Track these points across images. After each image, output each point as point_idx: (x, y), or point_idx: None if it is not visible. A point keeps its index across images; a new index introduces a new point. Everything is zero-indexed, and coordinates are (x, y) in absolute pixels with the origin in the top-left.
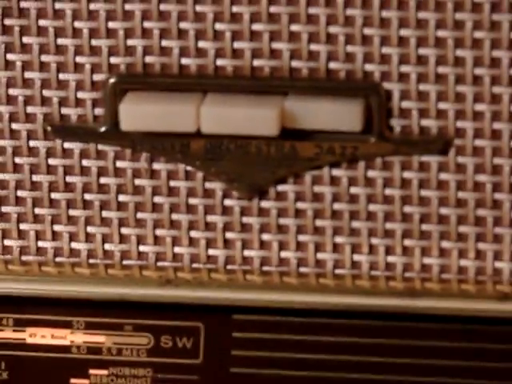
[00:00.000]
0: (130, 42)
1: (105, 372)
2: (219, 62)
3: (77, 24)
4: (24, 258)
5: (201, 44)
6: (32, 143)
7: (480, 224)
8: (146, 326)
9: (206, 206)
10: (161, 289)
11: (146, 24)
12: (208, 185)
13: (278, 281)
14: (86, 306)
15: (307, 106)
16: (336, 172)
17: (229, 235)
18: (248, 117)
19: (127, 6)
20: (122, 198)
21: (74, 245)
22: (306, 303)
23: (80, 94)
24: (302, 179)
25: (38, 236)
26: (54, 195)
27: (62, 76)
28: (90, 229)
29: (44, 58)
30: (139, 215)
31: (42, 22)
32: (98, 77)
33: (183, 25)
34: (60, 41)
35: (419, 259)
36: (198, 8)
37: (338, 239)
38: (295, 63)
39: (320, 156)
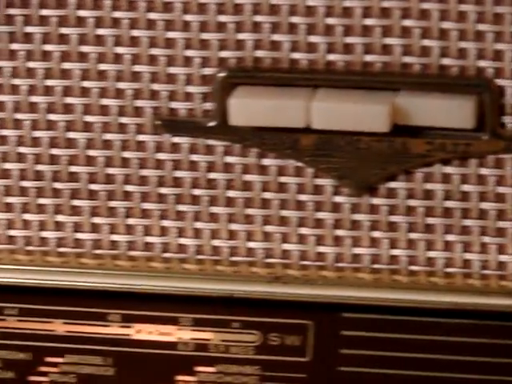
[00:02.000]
0: (240, 36)
1: (212, 369)
2: (330, 57)
3: (187, 17)
4: (131, 252)
5: (312, 38)
6: (140, 137)
7: None
8: (254, 323)
9: (315, 202)
10: (269, 286)
11: (259, 18)
12: (318, 181)
13: (388, 279)
14: (194, 303)
15: (419, 103)
16: (447, 169)
17: (338, 232)
18: (359, 113)
19: (237, 0)
20: (230, 193)
21: (182, 240)
22: (416, 301)
23: (189, 88)
24: (413, 176)
25: (146, 231)
26: (162, 190)
27: (171, 70)
28: (198, 225)
29: (153, 51)
30: (248, 211)
31: (150, 15)
32: (207, 71)
33: (294, 19)
34: (169, 34)
35: None
36: (309, 2)
37: (450, 237)
38: (407, 59)
39: (431, 153)
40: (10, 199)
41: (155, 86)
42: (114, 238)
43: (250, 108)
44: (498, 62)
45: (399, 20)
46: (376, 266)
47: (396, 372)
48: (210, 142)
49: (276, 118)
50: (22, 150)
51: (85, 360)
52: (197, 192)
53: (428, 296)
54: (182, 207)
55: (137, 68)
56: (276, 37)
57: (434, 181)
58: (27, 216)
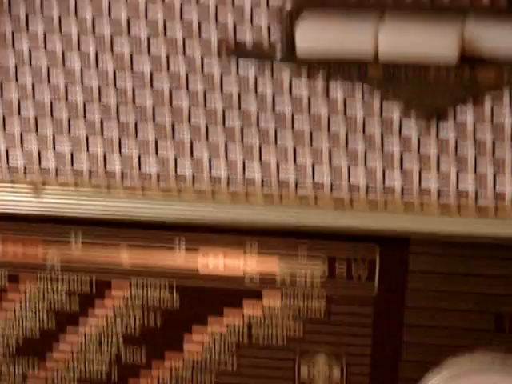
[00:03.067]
0: None
1: (278, 301)
2: None
3: None
4: (197, 185)
5: None
6: (206, 69)
7: None
8: (320, 254)
9: (383, 133)
10: (336, 216)
11: None
12: (385, 112)
13: (456, 212)
14: (260, 233)
15: (488, 32)
16: None
17: (406, 165)
18: (427, 43)
19: None
20: (296, 124)
21: (248, 172)
22: (485, 236)
23: (256, 19)
24: (482, 106)
25: (211, 163)
26: (227, 123)
27: (237, 0)
28: (264, 156)
29: None
30: (314, 144)
31: None
32: (274, 1)
33: None
34: None
35: None
36: None
37: None
38: None
39: (500, 82)
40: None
41: (221, 17)
42: (180, 170)
43: (317, 39)
44: None
45: None
46: (444, 199)
47: (465, 308)
48: (277, 72)
49: (343, 49)
50: None
51: (150, 291)
52: (263, 124)
53: (496, 228)
54: (248, 140)
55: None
56: None
57: (502, 110)
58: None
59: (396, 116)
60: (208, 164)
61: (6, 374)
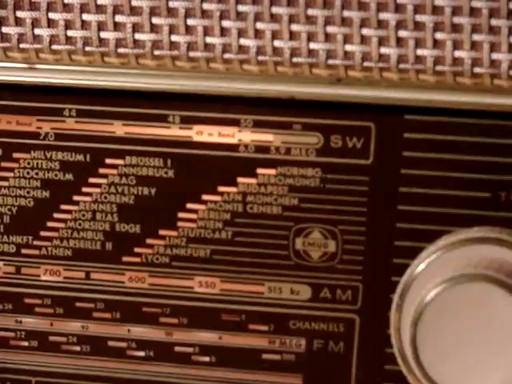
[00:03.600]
0: None
1: (272, 171)
2: None
3: None
4: (191, 54)
5: None
6: None
7: None
8: (315, 125)
9: (378, 3)
10: (331, 87)
11: None
12: None
13: (452, 81)
14: (254, 104)
15: None
16: None
17: (401, 33)
18: None
19: None
20: None
21: (242, 41)
22: (479, 104)
23: None
24: None
25: (206, 32)
26: None
27: None
28: (259, 25)
29: None
30: (309, 12)
31: None
32: None
33: None
34: None
35: None
36: None
37: None
38: None
39: None
40: None
41: None
42: (174, 38)
43: None
44: None
45: None
46: (439, 67)
47: (457, 175)
48: None
49: None
50: None
51: (144, 162)
52: None
53: (492, 98)
54: (242, 7)
55: None
56: None
57: None
58: (86, 16)
59: None
60: (202, 32)
61: (0, 247)
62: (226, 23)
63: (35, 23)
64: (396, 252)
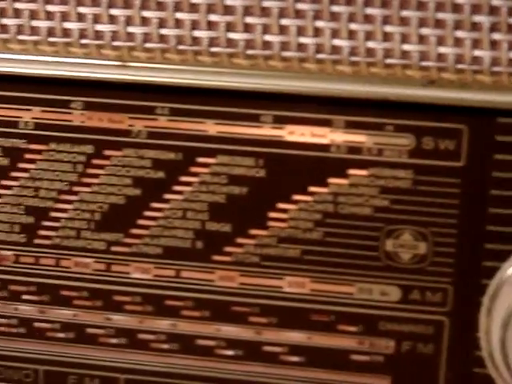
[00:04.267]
0: None
1: (364, 172)
2: None
3: None
4: (284, 53)
5: None
6: None
7: None
8: (407, 126)
9: (472, 5)
10: (424, 89)
11: None
12: None
13: None
14: (348, 105)
15: None
16: None
17: (495, 36)
18: None
19: None
20: None
21: (336, 42)
22: None
23: None
24: None
25: (299, 31)
26: None
27: None
28: (353, 26)
29: None
30: (403, 13)
31: None
32: None
33: None
34: None
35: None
36: None
37: None
38: None
39: None
40: None
41: None
42: (267, 38)
43: None
44: None
45: None
46: None
47: None
48: None
49: None
50: None
51: (236, 161)
52: None
53: None
54: (336, 8)
55: None
56: None
57: None
58: (180, 15)
59: None
60: (296, 31)
61: (90, 244)
62: (319, 23)
63: (129, 21)
64: (486, 254)
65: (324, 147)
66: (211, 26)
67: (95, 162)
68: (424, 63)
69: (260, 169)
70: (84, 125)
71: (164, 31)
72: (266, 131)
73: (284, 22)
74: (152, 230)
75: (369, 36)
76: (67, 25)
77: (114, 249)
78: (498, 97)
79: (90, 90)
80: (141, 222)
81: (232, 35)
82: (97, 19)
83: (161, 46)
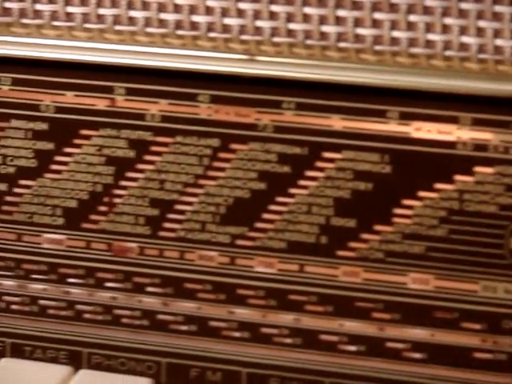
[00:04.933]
0: None
1: (490, 170)
2: None
3: None
4: (412, 50)
5: None
6: None
7: None
8: None
9: None
10: None
11: None
12: None
13: None
14: (475, 102)
15: None
16: None
17: None
18: None
19: None
20: None
21: (464, 39)
22: None
23: None
24: None
25: (428, 28)
26: None
27: None
28: (481, 23)
29: None
30: (496, 8)
31: None
32: None
33: None
34: None
35: None
36: None
37: None
38: None
39: None
40: None
41: None
42: (395, 34)
43: None
44: None
45: None
46: None
47: None
48: None
49: None
50: None
51: (361, 157)
52: None
53: None
54: (464, 5)
55: None
56: None
57: None
58: (307, 10)
59: None
60: (424, 28)
61: (214, 237)
62: (447, 20)
63: (257, 15)
64: None
65: (450, 144)
66: (339, 21)
67: (221, 155)
68: None
69: (386, 165)
70: (211, 118)
71: (292, 26)
72: (392, 127)
73: (412, 18)
74: (276, 224)
75: (497, 34)
76: (195, 18)
77: (238, 242)
78: None
79: (217, 84)
80: (266, 215)
81: (360, 31)
82: (225, 13)
83: (288, 41)
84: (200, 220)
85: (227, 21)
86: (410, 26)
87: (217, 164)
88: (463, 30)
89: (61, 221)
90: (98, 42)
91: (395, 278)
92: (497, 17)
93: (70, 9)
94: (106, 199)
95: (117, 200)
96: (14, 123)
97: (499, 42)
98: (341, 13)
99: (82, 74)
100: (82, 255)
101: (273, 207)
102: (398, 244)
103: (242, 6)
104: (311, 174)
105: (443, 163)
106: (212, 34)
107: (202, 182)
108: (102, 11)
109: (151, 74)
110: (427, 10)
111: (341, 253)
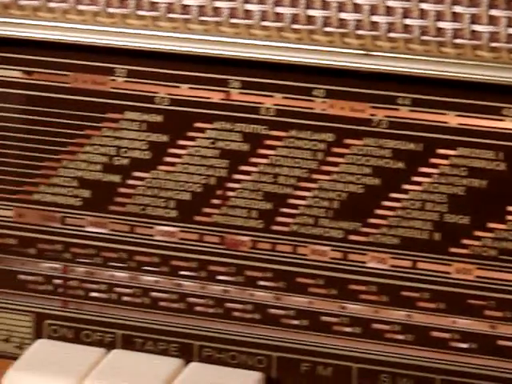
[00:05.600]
0: None
1: None
2: None
3: None
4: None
5: None
6: None
7: None
8: None
9: None
10: None
11: None
12: None
13: None
14: None
15: None
16: None
17: None
18: None
19: None
20: None
21: None
22: None
23: None
24: None
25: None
26: None
27: None
28: None
29: None
30: None
31: None
32: None
33: None
34: None
35: None
36: None
37: None
38: None
39: None
40: None
41: None
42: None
43: None
44: None
45: None
46: None
47: None
48: None
49: None
50: None
51: (476, 154)
52: None
53: None
54: None
55: None
56: None
57: None
58: (424, 5)
59: None
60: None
61: (327, 232)
62: (493, 11)
63: (373, 10)
64: None
65: None
66: (456, 17)
67: (335, 150)
68: None
69: (500, 162)
70: (325, 113)
71: (408, 21)
72: (508, 124)
73: (494, 12)
74: (390, 220)
75: None
76: (311, 12)
77: (351, 237)
78: None
79: (332, 78)
80: (379, 211)
81: (476, 27)
82: (341, 7)
83: (404, 36)
84: (313, 214)
85: (343, 15)
86: (492, 20)
87: (331, 159)
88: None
89: (174, 213)
90: (214, 35)
91: (508, 276)
92: None
93: (185, 1)
94: (219, 192)
95: (230, 193)
96: (129, 115)
97: None
98: (457, 9)
99: (197, 67)
100: (195, 248)
101: (386, 203)
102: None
103: (358, 0)
104: (425, 170)
105: None
106: (328, 29)
107: (315, 176)
108: (218, 4)
109: (266, 68)
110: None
111: (454, 250)
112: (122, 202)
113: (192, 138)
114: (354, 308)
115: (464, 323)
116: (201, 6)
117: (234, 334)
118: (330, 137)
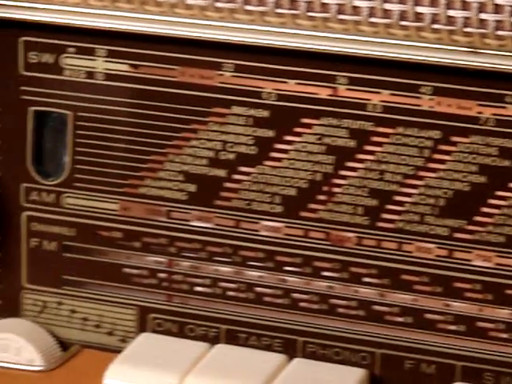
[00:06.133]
0: None
1: None
2: None
3: None
4: None
5: None
6: None
7: None
8: None
9: None
10: None
11: None
12: None
13: None
14: None
15: None
16: None
17: None
18: None
19: None
20: None
21: None
22: None
23: None
24: None
25: None
26: None
27: None
28: None
29: None
30: None
31: None
32: None
33: None
34: None
35: None
36: None
37: None
38: None
39: None
40: None
41: None
42: None
43: None
44: None
45: None
46: None
47: None
48: None
49: None
50: None
51: None
52: None
53: None
54: None
55: None
56: None
57: None
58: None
59: None
60: None
61: (432, 230)
62: None
63: (482, 8)
64: None
65: None
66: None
67: (442, 147)
68: None
69: None
70: (432, 110)
71: (452, 13)
72: None
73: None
74: (495, 219)
75: None
76: (420, 9)
77: (456, 235)
78: None
79: (439, 76)
80: (485, 209)
81: None
82: (450, 5)
83: (447, 28)
84: (419, 212)
85: (452, 13)
86: None
87: (437, 156)
88: None
89: (279, 208)
90: (322, 31)
91: None
92: None
93: None
94: (325, 188)
95: (336, 189)
96: (236, 110)
97: None
98: None
99: (305, 63)
100: (300, 244)
101: (492, 201)
102: None
103: None
104: None
105: None
106: (436, 26)
107: (421, 173)
108: (325, 0)
109: (374, 64)
110: None
111: None
112: (228, 196)
113: (298, 134)
114: (458, 306)
115: None
116: (309, 2)
117: (338, 331)
118: (436, 134)
